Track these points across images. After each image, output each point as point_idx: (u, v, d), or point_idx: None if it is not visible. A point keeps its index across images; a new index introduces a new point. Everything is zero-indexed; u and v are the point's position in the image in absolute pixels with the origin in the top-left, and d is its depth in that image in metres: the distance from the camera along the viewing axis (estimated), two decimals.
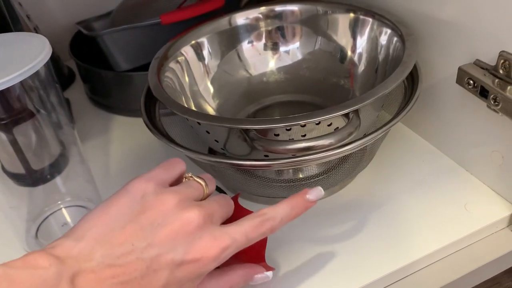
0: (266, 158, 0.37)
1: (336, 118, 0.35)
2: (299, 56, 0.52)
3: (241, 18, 0.50)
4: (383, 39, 0.45)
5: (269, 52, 0.52)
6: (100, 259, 0.26)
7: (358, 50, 0.48)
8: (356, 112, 0.34)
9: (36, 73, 0.35)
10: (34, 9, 0.67)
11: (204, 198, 0.32)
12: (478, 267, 0.39)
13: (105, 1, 0.67)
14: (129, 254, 0.27)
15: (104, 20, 0.67)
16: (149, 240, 0.27)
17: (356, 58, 0.48)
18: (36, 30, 0.66)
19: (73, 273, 0.25)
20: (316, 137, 0.33)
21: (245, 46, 0.51)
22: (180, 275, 0.27)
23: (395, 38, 0.43)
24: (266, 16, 0.51)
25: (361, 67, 0.48)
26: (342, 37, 0.49)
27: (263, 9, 0.51)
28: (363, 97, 0.35)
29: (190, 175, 0.32)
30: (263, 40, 0.51)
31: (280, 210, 0.31)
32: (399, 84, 0.37)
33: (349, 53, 0.49)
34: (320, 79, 0.51)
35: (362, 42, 0.48)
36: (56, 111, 0.41)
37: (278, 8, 0.51)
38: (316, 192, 0.33)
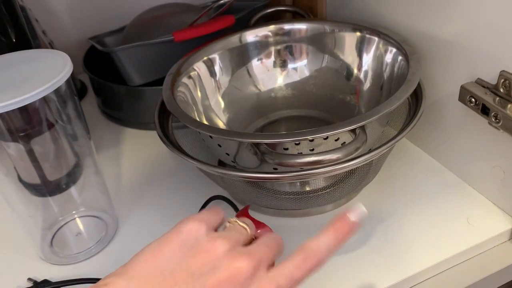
0: (275, 171, 0.39)
1: (343, 133, 0.37)
2: (306, 73, 0.53)
3: (251, 36, 0.52)
4: (388, 58, 0.47)
5: (278, 69, 0.54)
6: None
7: (364, 68, 0.50)
8: (363, 128, 0.36)
9: (57, 88, 0.37)
10: (49, 24, 0.70)
11: (249, 241, 0.31)
12: (480, 279, 0.40)
13: (116, 17, 0.70)
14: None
15: (115, 35, 0.69)
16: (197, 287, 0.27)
17: (362, 76, 0.50)
18: (51, 45, 0.68)
19: None
20: (324, 152, 0.34)
21: (255, 63, 0.53)
22: None
23: (400, 57, 0.45)
24: (275, 34, 0.53)
25: (367, 84, 0.50)
26: (348, 55, 0.51)
27: (272, 27, 0.53)
28: (369, 114, 0.36)
29: (234, 219, 0.32)
30: (272, 58, 0.53)
31: (323, 239, 0.29)
32: (403, 101, 0.38)
33: (355, 70, 0.51)
34: (327, 95, 0.52)
35: (367, 60, 0.50)
36: (74, 123, 0.43)
37: (287, 26, 0.53)
38: (357, 211, 0.30)
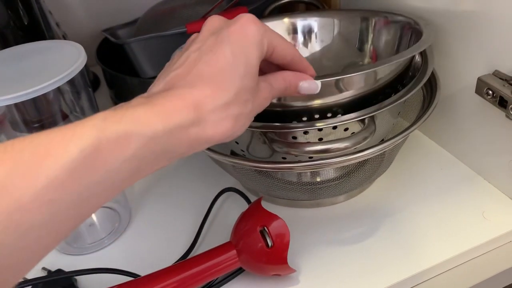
0: (287, 160, 0.38)
1: (352, 123, 0.36)
2: (317, 48, 0.53)
3: None
4: (402, 33, 0.46)
5: None
6: (158, 80, 0.28)
7: (376, 44, 0.49)
8: (372, 118, 0.35)
9: (72, 78, 0.37)
10: (63, 17, 0.70)
11: None
12: (496, 274, 0.39)
13: (129, 9, 0.70)
14: (181, 59, 0.28)
15: (128, 27, 0.69)
16: (191, 45, 0.28)
17: (373, 50, 0.50)
18: (64, 37, 0.69)
19: (140, 97, 0.25)
20: (332, 140, 0.34)
21: None
22: (239, 42, 0.27)
23: (413, 33, 0.44)
24: (287, 28, 0.53)
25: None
26: (361, 37, 0.50)
27: (286, 20, 0.52)
28: (380, 104, 0.36)
29: None
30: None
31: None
32: (416, 91, 0.38)
33: (368, 49, 0.50)
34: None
35: (380, 43, 0.49)
36: (88, 115, 0.43)
37: (300, 21, 0.52)
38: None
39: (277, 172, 0.44)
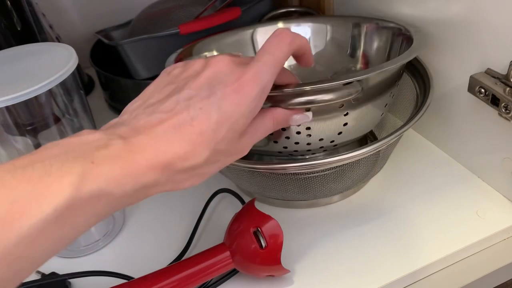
0: (281, 161, 0.38)
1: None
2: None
3: (261, 34, 0.52)
4: (394, 40, 0.47)
5: None
6: (142, 113, 0.26)
7: (368, 52, 0.50)
8: (359, 80, 0.35)
9: (63, 81, 0.37)
10: (56, 19, 0.70)
11: None
12: (489, 272, 0.39)
13: (123, 11, 0.70)
14: (170, 102, 0.27)
15: (122, 29, 0.69)
16: (186, 88, 0.27)
17: (365, 57, 0.50)
18: (58, 39, 0.68)
19: (119, 133, 0.25)
20: (317, 92, 0.34)
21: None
22: (229, 109, 0.26)
23: (406, 42, 0.44)
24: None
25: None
26: (353, 43, 0.51)
27: (280, 25, 0.53)
28: (367, 70, 0.36)
29: None
30: None
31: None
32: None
33: (359, 55, 0.50)
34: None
35: (372, 49, 0.49)
36: (80, 117, 0.43)
37: (294, 27, 0.53)
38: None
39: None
